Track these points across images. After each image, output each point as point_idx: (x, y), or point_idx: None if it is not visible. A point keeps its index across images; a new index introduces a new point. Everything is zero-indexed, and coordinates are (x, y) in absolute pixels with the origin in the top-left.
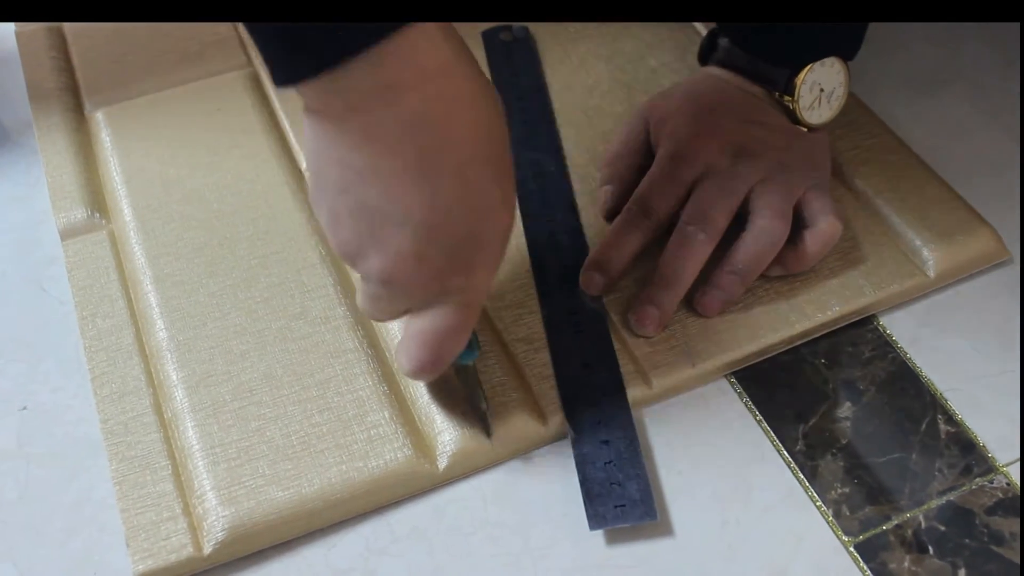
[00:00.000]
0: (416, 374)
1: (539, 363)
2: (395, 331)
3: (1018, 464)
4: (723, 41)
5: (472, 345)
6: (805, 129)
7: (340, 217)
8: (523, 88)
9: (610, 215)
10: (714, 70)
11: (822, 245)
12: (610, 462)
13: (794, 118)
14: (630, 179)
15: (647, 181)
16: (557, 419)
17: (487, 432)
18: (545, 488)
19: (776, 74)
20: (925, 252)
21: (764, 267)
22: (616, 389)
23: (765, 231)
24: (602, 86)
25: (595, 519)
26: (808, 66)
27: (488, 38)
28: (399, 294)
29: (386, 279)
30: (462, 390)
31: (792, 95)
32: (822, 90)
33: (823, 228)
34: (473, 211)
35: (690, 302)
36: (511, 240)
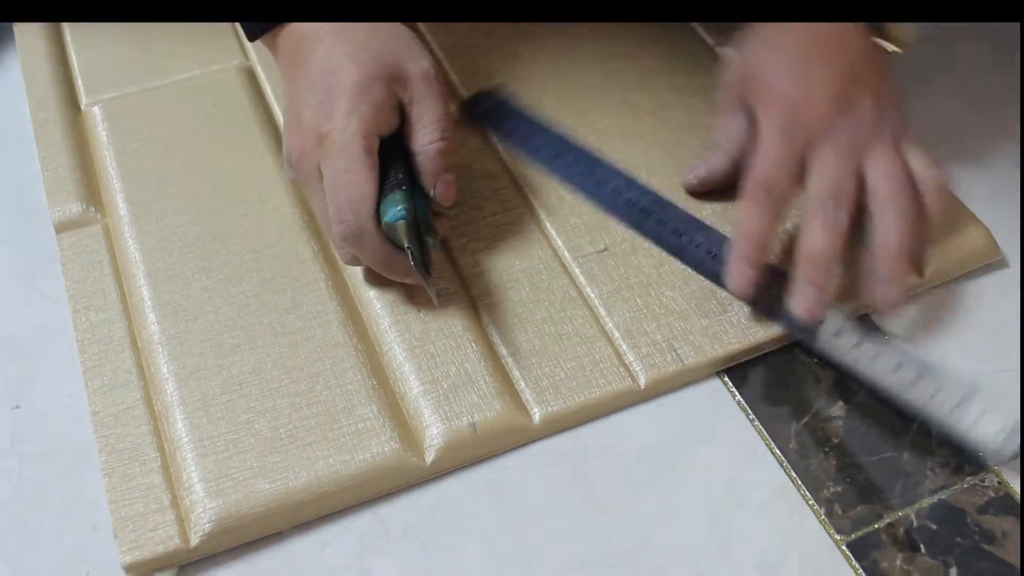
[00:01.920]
0: (342, 234)
1: (524, 365)
2: (386, 326)
3: (1008, 464)
4: None
5: (395, 204)
6: (897, 47)
7: (284, 141)
8: (551, 146)
9: (702, 185)
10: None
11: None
12: None
13: (880, 32)
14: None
15: (765, 159)
16: (543, 415)
17: (427, 270)
18: (538, 487)
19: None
20: None
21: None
22: None
23: (903, 211)
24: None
25: None
26: None
27: (469, 108)
28: (303, 165)
29: (289, 157)
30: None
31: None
32: None
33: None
34: (322, 82)
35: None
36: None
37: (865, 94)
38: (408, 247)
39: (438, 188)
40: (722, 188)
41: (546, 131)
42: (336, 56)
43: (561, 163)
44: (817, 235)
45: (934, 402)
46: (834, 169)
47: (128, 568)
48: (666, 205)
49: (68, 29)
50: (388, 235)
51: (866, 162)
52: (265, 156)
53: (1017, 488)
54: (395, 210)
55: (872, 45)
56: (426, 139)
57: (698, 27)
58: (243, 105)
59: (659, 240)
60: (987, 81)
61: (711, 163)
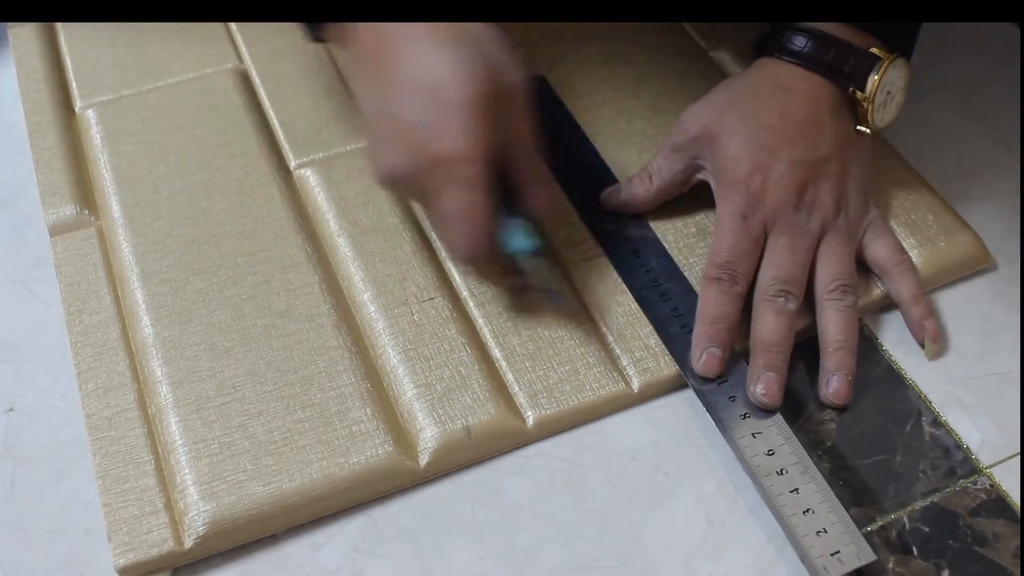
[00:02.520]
0: (461, 258)
1: (518, 368)
2: (380, 329)
3: (1000, 466)
4: (799, 38)
5: (526, 235)
6: (866, 131)
7: (371, 143)
8: (564, 141)
9: (618, 208)
10: (772, 65)
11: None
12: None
13: (860, 120)
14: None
15: (727, 244)
16: (537, 418)
17: (557, 294)
18: (531, 489)
19: (853, 71)
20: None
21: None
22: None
23: (849, 307)
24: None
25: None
26: (886, 64)
27: None
28: (411, 185)
29: (394, 172)
30: (529, 281)
31: (866, 91)
32: (889, 92)
33: (905, 281)
34: (425, 92)
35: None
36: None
37: (828, 183)
38: (549, 291)
39: (533, 205)
40: (634, 214)
41: (568, 123)
42: (433, 61)
43: (569, 164)
44: (770, 325)
45: (783, 498)
46: (785, 261)
47: (122, 571)
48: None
49: (62, 32)
50: (517, 260)
51: (818, 252)
52: (259, 159)
53: (1008, 490)
54: (525, 241)
55: (845, 127)
56: (517, 159)
57: (691, 31)
58: (237, 108)
59: (616, 257)
60: (980, 89)
61: (634, 189)
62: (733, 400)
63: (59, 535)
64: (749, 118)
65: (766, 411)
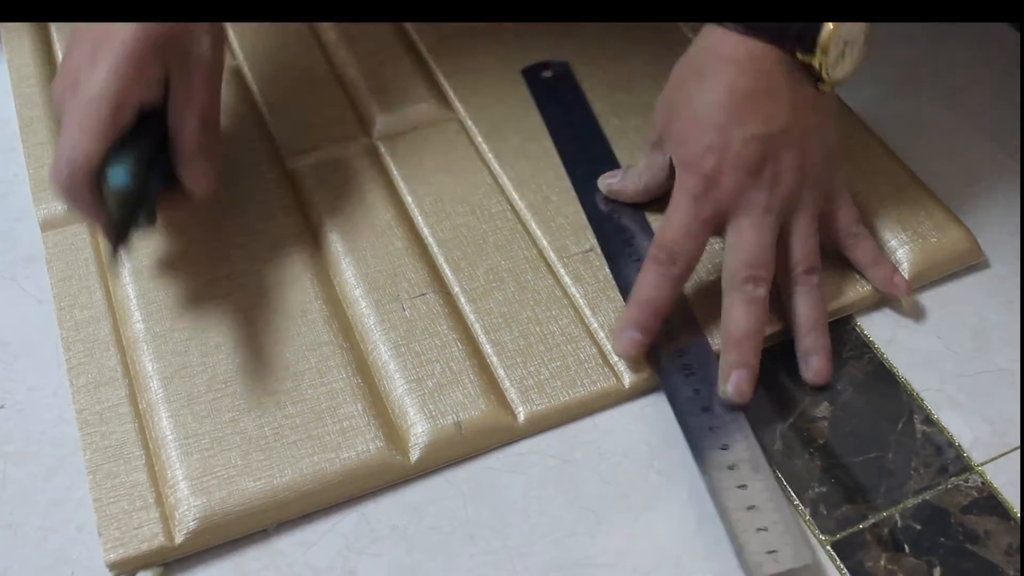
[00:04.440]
0: (54, 184)
1: (509, 363)
2: (371, 324)
3: (992, 464)
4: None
5: (123, 167)
6: (827, 89)
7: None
8: (577, 125)
9: (610, 195)
10: (716, 35)
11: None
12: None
13: (817, 76)
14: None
15: (673, 224)
16: (528, 414)
17: (121, 242)
18: (524, 487)
19: (803, 30)
20: (900, 253)
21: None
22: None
23: (816, 286)
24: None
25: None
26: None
27: (530, 76)
28: (56, 110)
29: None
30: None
31: (815, 53)
32: (846, 42)
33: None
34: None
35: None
36: None
37: (789, 156)
38: (118, 220)
39: (189, 175)
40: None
41: (584, 115)
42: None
43: (576, 148)
44: (740, 317)
45: (729, 493)
46: (750, 243)
47: (112, 566)
48: (637, 218)
49: (54, 28)
50: (105, 195)
51: (785, 229)
52: (250, 154)
53: (999, 488)
54: (119, 173)
55: (803, 91)
56: (182, 123)
57: (684, 25)
58: (230, 104)
59: (608, 245)
60: (973, 85)
61: (626, 182)
62: (698, 393)
63: (50, 532)
64: (695, 99)
65: (733, 408)
